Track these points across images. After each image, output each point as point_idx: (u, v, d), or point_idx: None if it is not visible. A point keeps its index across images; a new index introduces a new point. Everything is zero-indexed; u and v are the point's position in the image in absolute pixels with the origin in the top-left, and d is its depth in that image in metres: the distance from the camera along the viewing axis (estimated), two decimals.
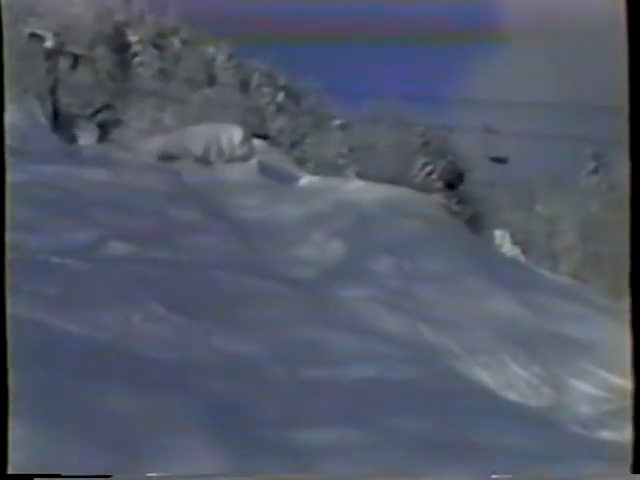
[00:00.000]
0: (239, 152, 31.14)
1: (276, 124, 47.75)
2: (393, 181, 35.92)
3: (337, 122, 48.67)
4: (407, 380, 12.55)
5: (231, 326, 13.30)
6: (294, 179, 31.38)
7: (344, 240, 23.07)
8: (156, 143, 31.17)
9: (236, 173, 29.20)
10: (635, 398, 6.19)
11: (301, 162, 41.14)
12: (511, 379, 15.77)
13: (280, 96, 50.09)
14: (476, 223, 45.43)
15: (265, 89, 50.38)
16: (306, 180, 31.52)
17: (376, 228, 24.38)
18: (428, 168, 47.93)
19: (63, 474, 5.88)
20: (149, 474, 6.49)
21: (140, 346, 10.80)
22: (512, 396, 14.88)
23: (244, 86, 50.30)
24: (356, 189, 29.26)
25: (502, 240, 43.35)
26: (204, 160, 30.36)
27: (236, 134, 31.62)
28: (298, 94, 51.53)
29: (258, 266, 19.40)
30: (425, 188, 43.40)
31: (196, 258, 18.16)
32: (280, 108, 49.47)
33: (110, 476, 6.11)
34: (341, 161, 45.80)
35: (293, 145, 46.67)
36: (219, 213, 23.62)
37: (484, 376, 15.43)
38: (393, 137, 47.95)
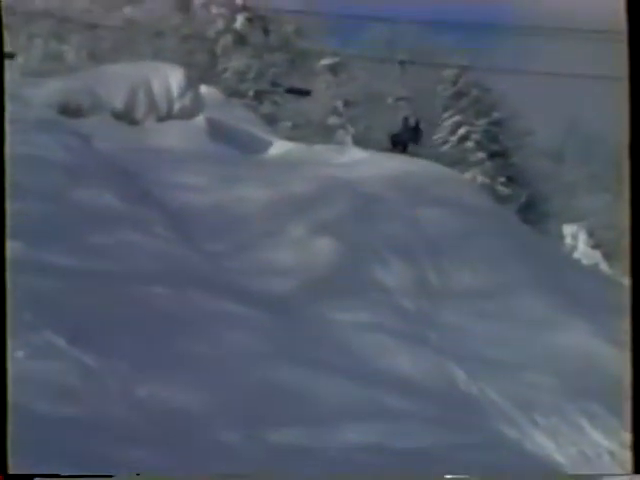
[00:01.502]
0: (179, 105, 31.13)
1: (233, 63, 47.76)
2: (408, 150, 35.96)
3: (325, 62, 48.74)
4: (428, 449, 12.53)
5: (164, 368, 13.24)
6: (261, 146, 31.39)
7: (336, 237, 23.07)
8: (53, 89, 31.08)
9: (174, 137, 29.17)
10: (634, 398, 7.72)
11: (272, 121, 41.25)
12: (588, 451, 15.79)
13: (239, 20, 50.11)
14: (535, 214, 45.61)
15: (216, 10, 50.38)
16: (279, 148, 31.52)
17: (383, 220, 24.38)
18: (462, 130, 48.11)
19: (62, 474, 7.92)
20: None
21: (25, 395, 10.70)
22: None
23: (184, 4, 50.28)
24: (354, 161, 29.29)
25: (574, 239, 43.53)
26: (126, 116, 30.31)
27: (174, 77, 31.58)
28: (265, 18, 51.48)
29: (207, 277, 19.35)
30: (458, 160, 43.58)
31: (113, 264, 18.08)
32: (239, 39, 49.49)
33: (112, 476, 8.30)
34: (332, 120, 45.89)
35: (259, 96, 46.69)
36: (149, 197, 23.56)
37: (547, 446, 15.44)
38: (410, 84, 48.06)
